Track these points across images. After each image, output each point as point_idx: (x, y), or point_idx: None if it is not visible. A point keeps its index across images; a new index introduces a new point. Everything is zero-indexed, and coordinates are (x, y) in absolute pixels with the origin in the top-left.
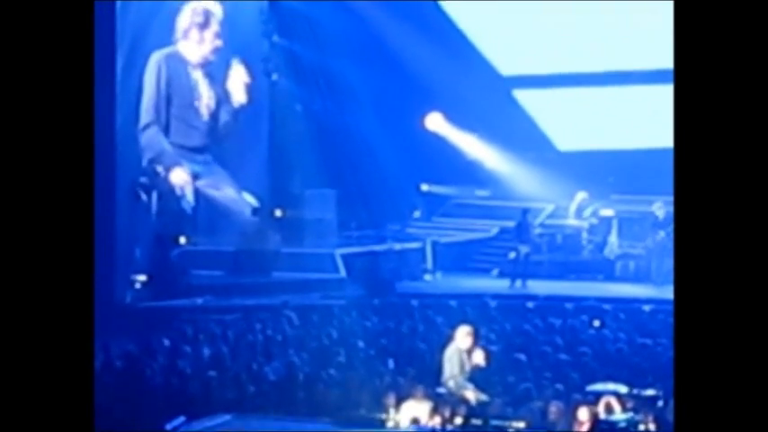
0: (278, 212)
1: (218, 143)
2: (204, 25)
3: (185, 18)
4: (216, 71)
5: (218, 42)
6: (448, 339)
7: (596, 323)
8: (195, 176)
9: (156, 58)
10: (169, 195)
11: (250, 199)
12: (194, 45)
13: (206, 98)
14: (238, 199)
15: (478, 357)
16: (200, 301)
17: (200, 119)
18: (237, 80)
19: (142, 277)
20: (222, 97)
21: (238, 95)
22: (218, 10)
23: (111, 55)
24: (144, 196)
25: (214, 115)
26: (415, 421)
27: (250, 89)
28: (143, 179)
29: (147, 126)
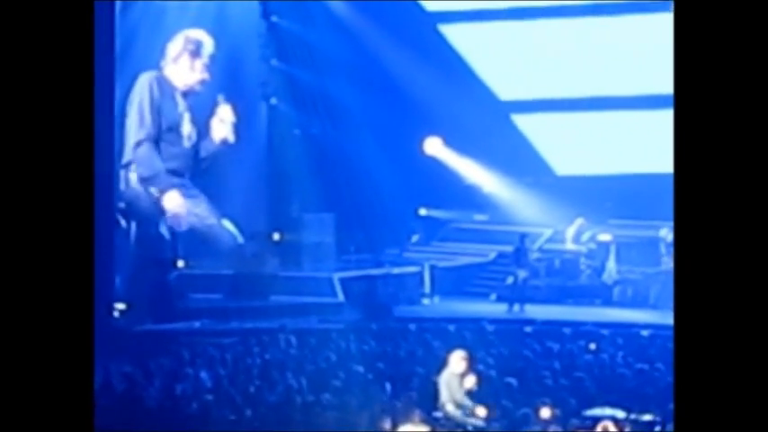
0: (276, 236)
1: (196, 175)
2: (195, 54)
3: (177, 44)
4: (200, 104)
5: (206, 75)
6: (443, 364)
7: (592, 346)
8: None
9: (146, 77)
10: (153, 219)
11: (229, 226)
12: (183, 72)
13: (187, 127)
14: (216, 225)
15: (470, 382)
16: (197, 324)
17: (180, 144)
18: (221, 119)
19: (121, 305)
20: (203, 132)
21: (219, 134)
22: (209, 44)
23: (111, 58)
24: (123, 221)
25: (195, 146)
26: None
27: (236, 129)
28: (122, 204)
29: (140, 142)
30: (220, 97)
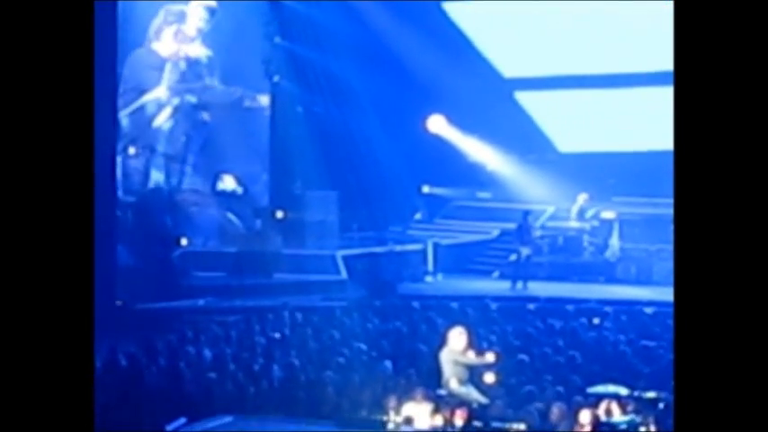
0: (279, 214)
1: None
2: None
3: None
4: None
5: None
6: (442, 342)
7: (596, 320)
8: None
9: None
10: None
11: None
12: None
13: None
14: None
15: (471, 357)
16: (201, 302)
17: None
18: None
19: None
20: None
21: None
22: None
23: (113, 54)
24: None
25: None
26: (408, 421)
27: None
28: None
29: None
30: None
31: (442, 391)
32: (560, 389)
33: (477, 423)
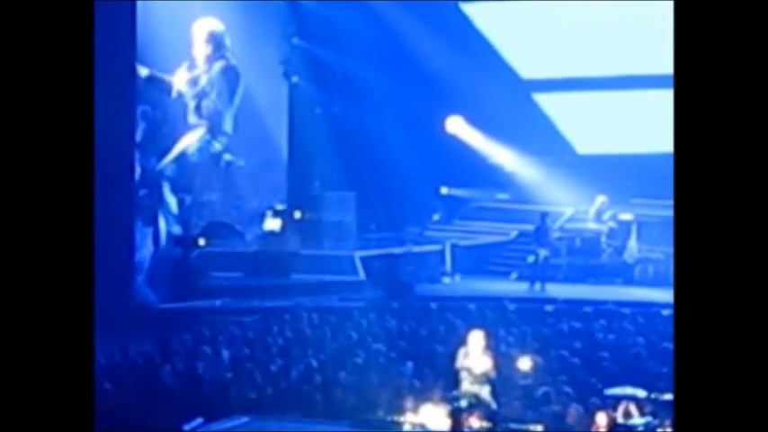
0: (297, 214)
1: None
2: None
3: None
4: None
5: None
6: (460, 343)
7: (613, 325)
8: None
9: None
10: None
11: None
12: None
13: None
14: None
15: (487, 364)
16: (218, 302)
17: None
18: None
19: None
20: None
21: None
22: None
23: (131, 59)
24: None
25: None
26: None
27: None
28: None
29: None
30: None
31: (458, 393)
32: (577, 391)
33: (492, 425)
